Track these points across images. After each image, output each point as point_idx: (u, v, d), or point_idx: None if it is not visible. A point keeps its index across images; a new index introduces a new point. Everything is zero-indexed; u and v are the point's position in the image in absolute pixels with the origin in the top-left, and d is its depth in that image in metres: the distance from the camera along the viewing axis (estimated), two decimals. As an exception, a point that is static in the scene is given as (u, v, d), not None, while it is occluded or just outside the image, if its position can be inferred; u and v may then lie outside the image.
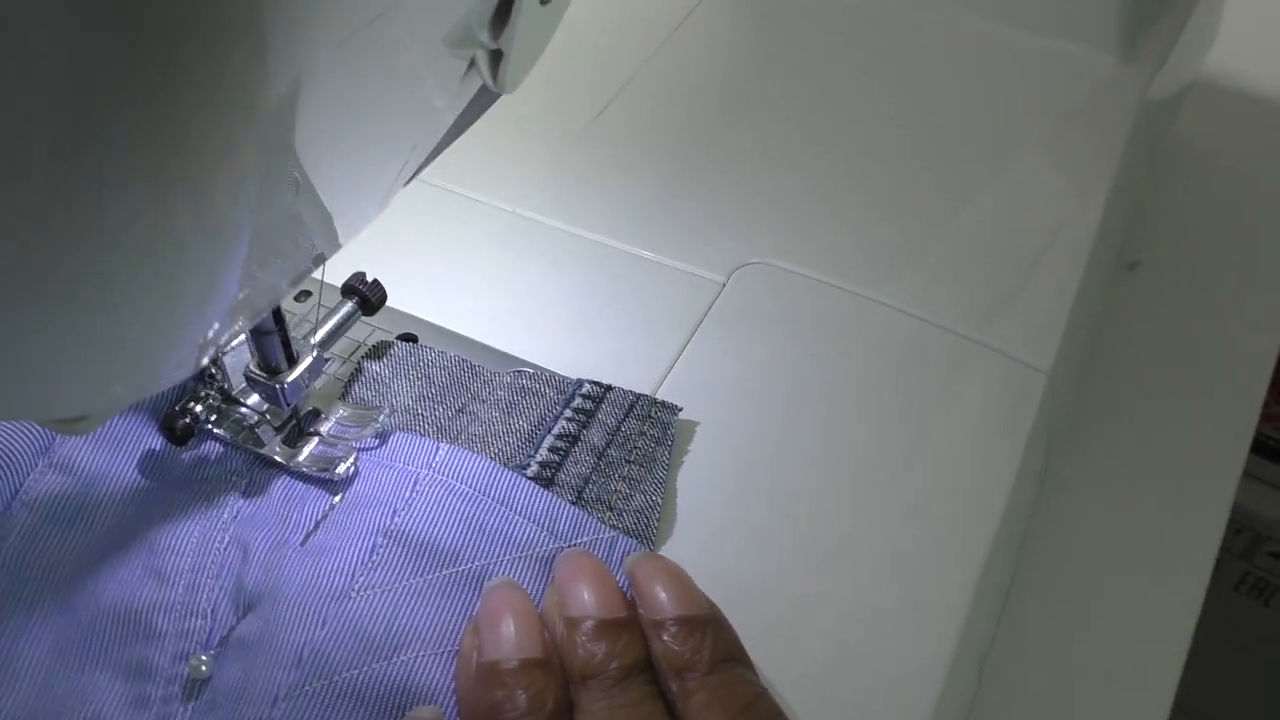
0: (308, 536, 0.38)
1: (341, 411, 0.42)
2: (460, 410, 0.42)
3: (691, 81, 0.59)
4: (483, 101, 0.30)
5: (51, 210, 0.22)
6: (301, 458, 0.40)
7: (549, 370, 0.43)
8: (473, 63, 0.28)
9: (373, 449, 0.40)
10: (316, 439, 0.41)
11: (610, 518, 0.39)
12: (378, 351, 0.44)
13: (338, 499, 0.39)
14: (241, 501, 0.39)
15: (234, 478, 0.40)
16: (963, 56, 0.60)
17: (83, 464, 0.39)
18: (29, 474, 0.39)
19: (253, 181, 0.24)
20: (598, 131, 0.55)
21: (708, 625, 0.34)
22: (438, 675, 0.34)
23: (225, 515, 0.39)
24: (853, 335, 0.46)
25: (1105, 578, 0.49)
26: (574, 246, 0.49)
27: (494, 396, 0.42)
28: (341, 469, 0.39)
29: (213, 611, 0.36)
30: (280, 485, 0.40)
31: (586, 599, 0.35)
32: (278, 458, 0.40)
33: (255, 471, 0.40)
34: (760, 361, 0.45)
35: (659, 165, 0.54)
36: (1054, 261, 0.49)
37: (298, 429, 0.41)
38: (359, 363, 0.43)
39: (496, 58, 0.27)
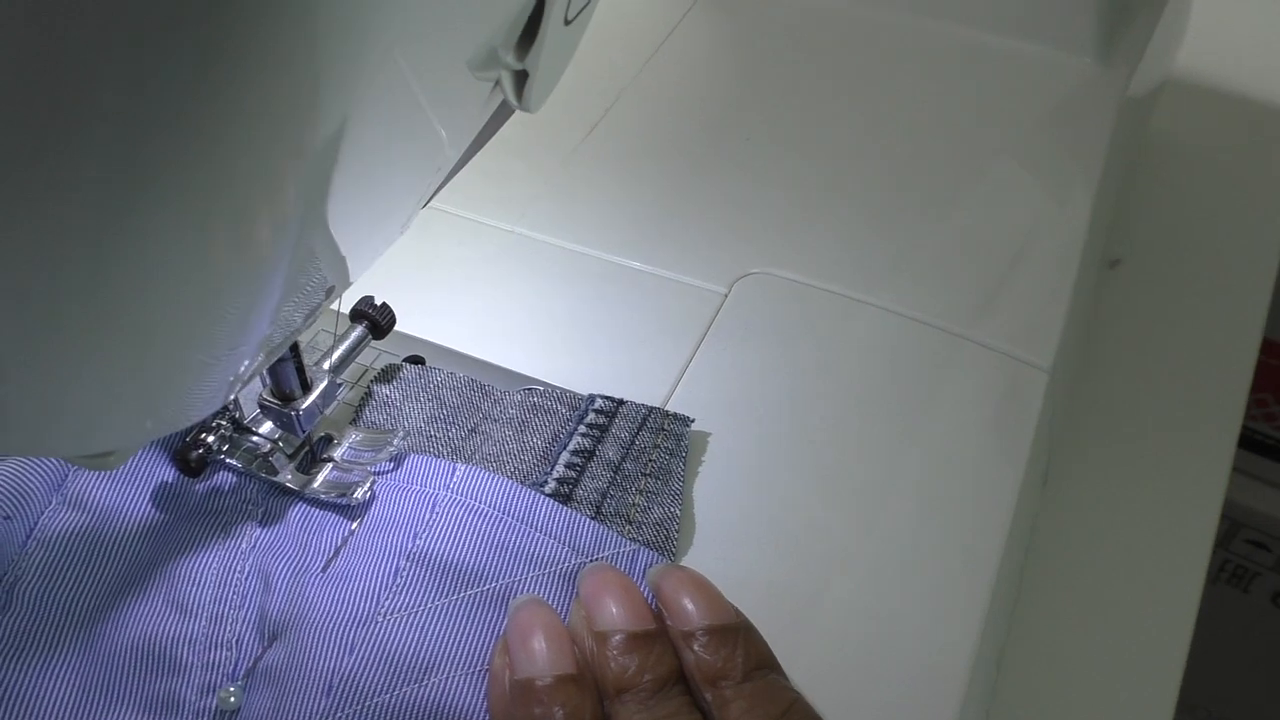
0: (328, 563, 0.38)
1: (354, 436, 0.41)
2: (473, 431, 0.42)
3: (678, 97, 0.59)
4: (500, 116, 0.30)
5: (94, 249, 0.22)
6: (316, 484, 0.40)
7: (559, 387, 0.44)
8: (496, 83, 0.28)
9: (388, 472, 0.40)
10: (331, 465, 0.40)
11: (630, 531, 0.39)
12: (387, 375, 0.44)
13: (355, 525, 0.39)
14: (259, 530, 0.39)
15: (249, 507, 0.40)
16: (945, 64, 0.60)
17: (97, 500, 0.39)
18: (43, 512, 0.38)
19: (293, 221, 0.24)
20: (590, 150, 0.56)
21: (738, 633, 0.34)
22: (469, 696, 0.34)
23: (244, 545, 0.38)
24: (855, 340, 0.46)
25: (1108, 570, 0.50)
26: (575, 263, 0.49)
27: (506, 415, 0.43)
28: (358, 493, 0.39)
29: (237, 642, 0.36)
30: (297, 512, 0.39)
31: (614, 612, 0.35)
32: (292, 485, 0.40)
33: (270, 500, 0.40)
34: (767, 369, 0.45)
35: (653, 181, 0.54)
36: (1047, 260, 0.50)
37: (311, 455, 0.41)
38: (369, 387, 0.43)
39: (521, 78, 0.27)
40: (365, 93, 0.23)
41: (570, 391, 0.43)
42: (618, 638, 0.34)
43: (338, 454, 0.41)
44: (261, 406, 0.39)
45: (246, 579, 0.37)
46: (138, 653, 0.36)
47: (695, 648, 0.34)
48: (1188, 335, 0.60)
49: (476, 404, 0.43)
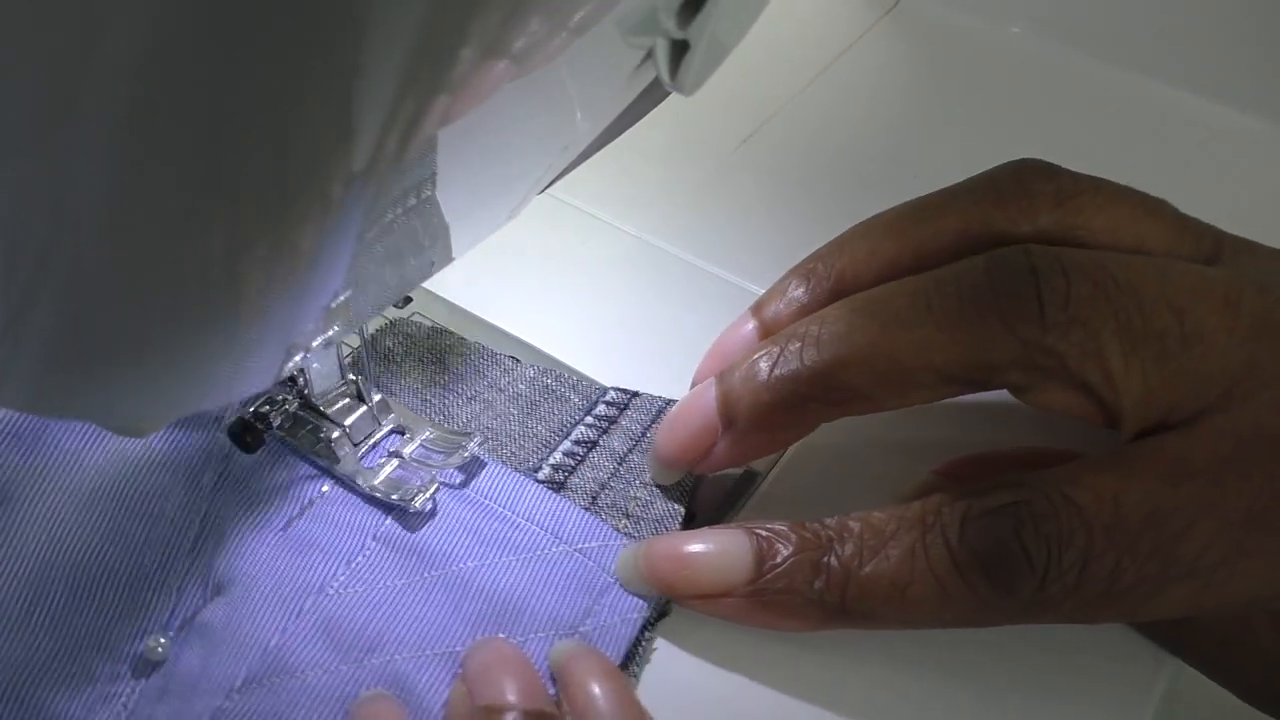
0: (290, 521, 0.35)
1: (428, 433, 0.37)
2: (472, 398, 0.39)
3: (843, 121, 0.54)
4: (645, 100, 0.25)
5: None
6: (377, 481, 0.36)
7: (579, 373, 0.40)
8: (648, 55, 0.23)
9: (456, 487, 0.36)
10: (396, 461, 0.36)
11: (627, 525, 0.36)
12: (394, 329, 0.41)
13: (326, 487, 0.36)
14: (225, 465, 0.36)
15: (221, 434, 0.36)
16: (1145, 122, 0.54)
17: None
18: None
19: (370, 171, 0.19)
20: (737, 163, 0.51)
21: None
22: (412, 680, 0.31)
23: (205, 480, 0.35)
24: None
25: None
26: (702, 283, 0.45)
27: (514, 389, 0.39)
28: (419, 500, 0.35)
29: (179, 589, 0.33)
30: (268, 454, 0.36)
31: (505, 685, 0.30)
32: (360, 484, 0.36)
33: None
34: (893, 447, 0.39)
35: (800, 207, 0.49)
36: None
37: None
38: (371, 336, 0.40)
39: (680, 51, 0.23)
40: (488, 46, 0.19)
41: (589, 380, 0.40)
42: (509, 715, 0.29)
43: (407, 451, 0.37)
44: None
45: (204, 520, 0.34)
46: (67, 572, 0.32)
47: None
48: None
49: (483, 371, 0.40)
